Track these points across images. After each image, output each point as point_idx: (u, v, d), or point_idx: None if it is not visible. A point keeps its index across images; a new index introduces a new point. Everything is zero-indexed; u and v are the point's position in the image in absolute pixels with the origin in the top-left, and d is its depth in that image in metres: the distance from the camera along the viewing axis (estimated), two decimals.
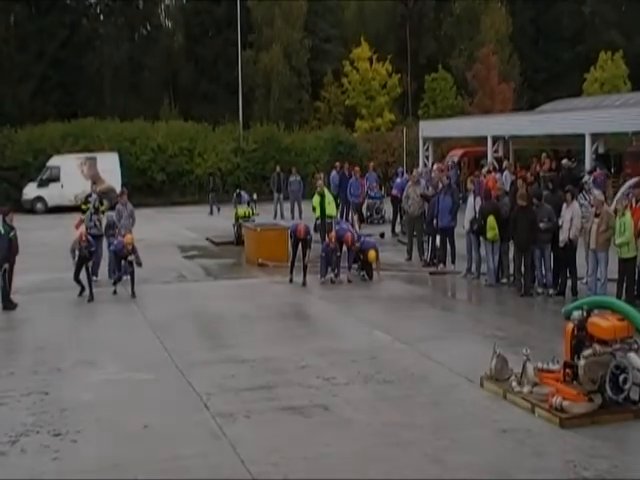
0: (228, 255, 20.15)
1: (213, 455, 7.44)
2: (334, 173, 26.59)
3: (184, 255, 20.40)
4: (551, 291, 14.18)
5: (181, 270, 17.94)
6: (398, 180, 22.98)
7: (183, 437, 7.87)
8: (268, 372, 9.91)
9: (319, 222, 19.53)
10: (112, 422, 8.31)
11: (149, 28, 54.48)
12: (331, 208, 19.63)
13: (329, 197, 19.75)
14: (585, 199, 14.02)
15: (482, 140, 30.99)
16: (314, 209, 19.66)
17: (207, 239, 22.77)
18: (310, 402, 8.80)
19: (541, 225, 14.12)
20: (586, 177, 16.08)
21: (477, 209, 15.70)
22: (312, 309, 13.94)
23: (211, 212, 30.22)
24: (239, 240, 20.79)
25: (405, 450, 7.52)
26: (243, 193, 25.08)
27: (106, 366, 10.35)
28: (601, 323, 8.61)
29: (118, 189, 26.01)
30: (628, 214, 12.90)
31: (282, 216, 27.38)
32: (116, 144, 35.33)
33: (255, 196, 24.70)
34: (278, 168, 29.25)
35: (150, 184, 36.30)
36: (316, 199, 19.47)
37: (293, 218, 26.95)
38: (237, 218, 21.68)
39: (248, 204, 23.10)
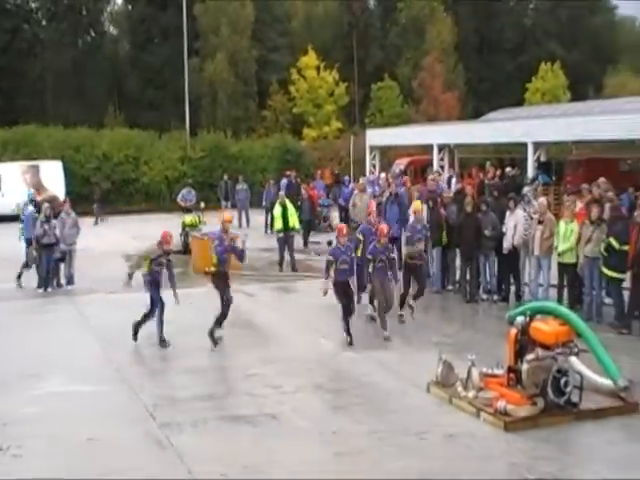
0: (175, 264, 19.75)
1: (159, 466, 7.36)
2: (284, 180, 26.62)
3: (130, 264, 20.06)
4: (495, 297, 14.43)
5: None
6: (346, 190, 23.10)
7: (129, 448, 7.77)
8: (215, 381, 9.87)
9: (281, 235, 18.26)
10: (56, 435, 8.16)
11: (93, 34, 53.81)
12: (294, 220, 18.45)
13: (291, 208, 18.61)
14: (524, 210, 14.32)
15: (428, 148, 31.38)
16: (275, 221, 18.68)
17: None
18: (258, 411, 8.78)
19: (486, 232, 14.36)
20: (526, 189, 16.40)
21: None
22: (260, 317, 13.89)
23: (96, 222, 29.59)
24: (187, 249, 20.61)
25: (353, 458, 7.56)
26: (185, 192, 24.62)
27: (50, 378, 10.16)
28: (543, 328, 8.79)
29: (62, 198, 25.53)
30: (575, 221, 13.22)
31: None
32: (59, 152, 34.69)
33: (203, 204, 24.52)
34: (226, 176, 29.16)
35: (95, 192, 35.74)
36: (277, 210, 18.39)
37: (241, 226, 26.87)
38: (184, 227, 21.50)
39: (191, 211, 22.75)
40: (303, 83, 47.68)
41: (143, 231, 26.51)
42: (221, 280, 11.88)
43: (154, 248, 12.22)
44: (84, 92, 49.45)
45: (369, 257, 11.83)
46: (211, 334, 11.52)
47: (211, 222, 22.90)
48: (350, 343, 11.33)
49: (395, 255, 12.48)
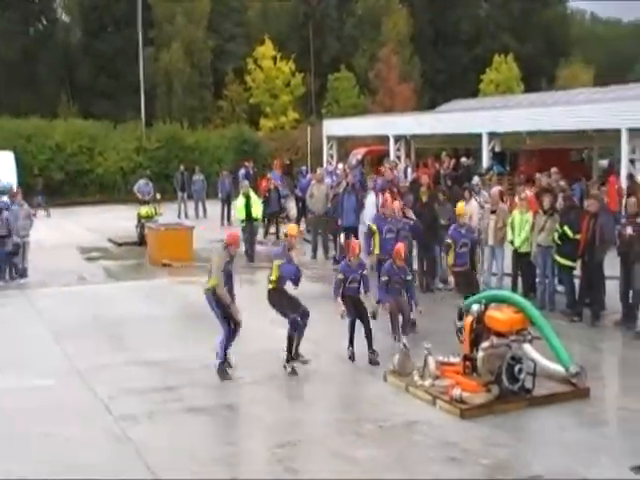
0: (131, 256, 19.77)
1: (117, 459, 7.29)
2: (242, 171, 26.50)
3: (84, 257, 19.88)
4: (450, 286, 14.57)
5: (81, 272, 17.46)
6: (303, 181, 23.07)
7: (85, 443, 7.69)
8: (172, 373, 9.79)
9: (244, 226, 17.94)
10: (11, 432, 8.03)
11: (45, 22, 52.74)
12: (257, 210, 18.17)
13: (255, 198, 18.32)
14: (476, 200, 14.51)
15: (384, 139, 31.51)
16: (238, 212, 18.35)
17: (109, 240, 22.27)
18: (215, 402, 8.76)
19: (442, 222, 14.51)
20: (475, 179, 16.60)
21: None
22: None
23: (48, 214, 29.10)
24: (142, 240, 20.42)
25: (311, 447, 7.59)
26: (142, 183, 24.28)
27: (3, 373, 9.98)
28: (498, 316, 8.93)
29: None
30: (530, 211, 13.42)
31: (186, 215, 27.10)
32: (10, 142, 33.98)
33: (159, 196, 24.29)
34: (182, 167, 28.89)
35: (48, 184, 35.13)
36: (241, 201, 18.05)
37: (197, 217, 26.75)
38: (140, 218, 21.29)
39: (148, 203, 22.50)
40: (259, 73, 47.46)
41: (97, 223, 26.25)
42: (283, 297, 10.11)
43: (221, 252, 9.90)
44: (35, 81, 48.47)
45: (384, 278, 11.04)
46: (287, 366, 9.82)
47: (167, 213, 22.77)
48: (351, 358, 10.25)
49: (410, 278, 11.30)
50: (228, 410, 8.54)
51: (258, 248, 18.69)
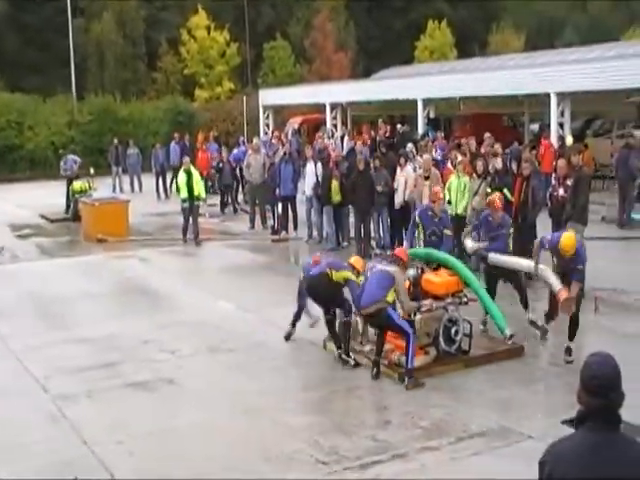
0: (65, 232, 19.35)
1: (54, 438, 7.17)
2: (173, 144, 26.10)
3: (16, 234, 19.37)
4: (389, 252, 14.69)
5: (14, 250, 17.02)
6: (235, 151, 22.84)
7: (21, 423, 7.54)
8: (110, 349, 9.66)
9: (186, 205, 16.93)
10: None
11: None
12: (199, 188, 17.15)
13: (196, 175, 17.25)
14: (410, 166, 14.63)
15: (321, 107, 31.43)
16: (178, 189, 17.51)
17: (41, 216, 21.74)
18: (155, 376, 8.68)
19: (378, 188, 14.58)
20: (409, 146, 16.70)
21: (318, 175, 15.97)
22: (154, 283, 13.65)
23: None
24: (76, 216, 20.00)
25: (252, 416, 7.59)
26: (70, 157, 23.53)
27: None
28: (434, 279, 9.05)
29: None
30: (466, 175, 13.57)
31: (121, 190, 26.60)
32: None
33: (92, 170, 23.74)
34: (115, 141, 28.29)
35: None
36: (182, 177, 17.06)
37: (133, 191, 26.30)
38: (73, 193, 20.82)
39: (79, 178, 21.89)
40: (193, 44, 46.64)
41: (29, 200, 25.57)
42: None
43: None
44: None
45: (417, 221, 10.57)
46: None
47: (101, 188, 22.32)
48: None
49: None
50: (168, 384, 8.47)
51: (209, 221, 18.49)
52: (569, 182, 11.68)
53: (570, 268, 8.60)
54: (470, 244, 10.20)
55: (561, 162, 12.20)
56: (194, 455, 6.72)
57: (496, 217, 10.03)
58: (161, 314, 11.32)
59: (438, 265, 9.67)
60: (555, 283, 8.71)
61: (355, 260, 9.38)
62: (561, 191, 11.76)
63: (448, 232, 10.53)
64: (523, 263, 9.43)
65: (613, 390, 3.08)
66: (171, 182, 25.77)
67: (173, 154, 25.55)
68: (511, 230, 10.18)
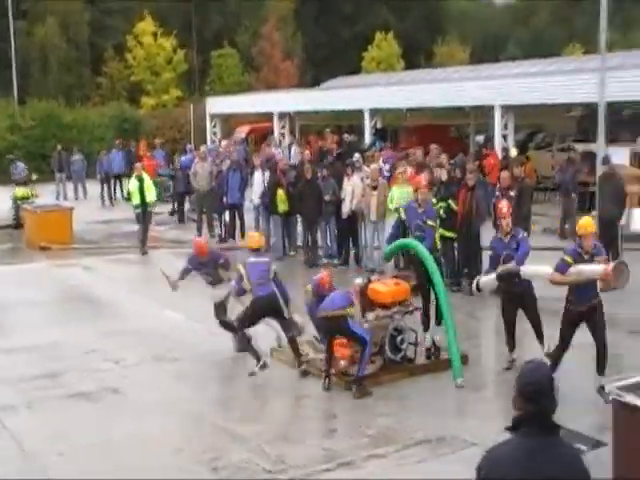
0: (6, 240, 18.91)
1: None
2: (114, 152, 25.75)
3: None
4: (336, 261, 14.78)
5: None
6: (183, 158, 22.68)
7: None
8: (52, 359, 9.47)
9: (139, 211, 16.70)
10: None
11: None
12: (151, 194, 16.91)
13: (148, 181, 17.01)
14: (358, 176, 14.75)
15: (269, 116, 31.44)
16: (130, 196, 17.23)
17: None
18: (99, 386, 8.55)
19: (326, 198, 14.65)
20: (356, 156, 16.85)
21: (266, 183, 15.98)
22: (99, 291, 13.44)
23: None
24: (19, 223, 19.58)
25: (198, 426, 7.54)
26: (19, 163, 23.10)
27: None
28: (380, 289, 9.09)
29: None
30: (409, 185, 13.71)
31: (65, 197, 26.15)
32: None
33: (35, 176, 23.27)
34: (59, 146, 27.80)
35: None
36: (134, 184, 16.73)
37: (77, 199, 25.86)
38: (15, 200, 20.38)
39: (26, 184, 21.52)
40: (140, 50, 46.17)
41: None
42: None
43: None
44: None
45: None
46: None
47: (45, 195, 21.90)
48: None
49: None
50: (112, 394, 8.35)
51: (156, 229, 18.29)
52: (512, 193, 11.92)
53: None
54: (490, 275, 8.75)
55: (504, 173, 12.45)
56: (138, 466, 6.63)
57: (421, 198, 9.86)
58: (105, 323, 11.15)
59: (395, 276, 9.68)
60: (593, 268, 7.74)
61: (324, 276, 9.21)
62: (504, 202, 11.96)
63: (430, 222, 9.81)
64: (549, 271, 8.14)
65: (546, 396, 3.18)
66: (115, 189, 25.48)
67: (116, 161, 25.24)
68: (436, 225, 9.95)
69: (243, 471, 6.53)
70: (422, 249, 9.25)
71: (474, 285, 9.16)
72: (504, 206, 9.05)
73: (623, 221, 13.55)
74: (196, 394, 8.32)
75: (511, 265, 8.56)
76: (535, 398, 3.17)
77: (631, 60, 22.30)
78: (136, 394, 8.35)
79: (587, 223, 7.92)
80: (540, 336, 8.76)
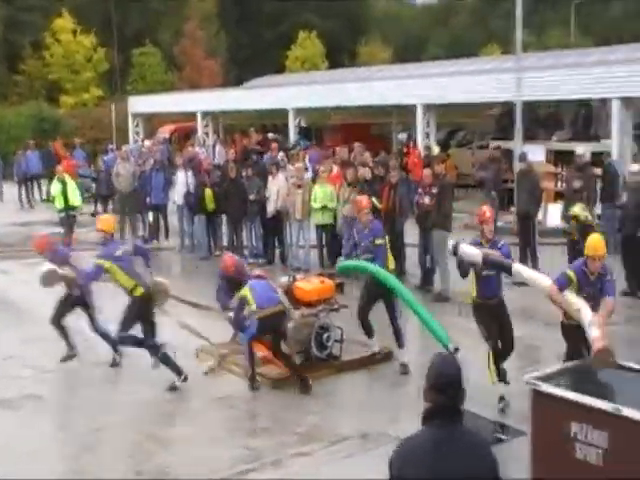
0: None
1: None
2: (29, 152, 25.06)
3: None
4: (261, 260, 14.75)
5: None
6: (105, 157, 22.24)
7: None
8: None
9: (62, 216, 16.40)
10: None
11: None
12: (76, 198, 16.53)
13: (71, 184, 16.59)
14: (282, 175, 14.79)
15: (192, 116, 31.13)
16: (53, 199, 16.65)
17: None
18: (19, 393, 8.31)
19: (251, 197, 14.62)
20: (280, 154, 16.87)
21: (190, 183, 15.84)
22: (16, 296, 13.03)
23: None
24: None
25: (121, 430, 7.41)
26: None
27: None
28: (305, 287, 9.13)
29: None
30: (330, 184, 13.82)
31: None
32: None
33: None
34: None
35: None
36: (56, 187, 16.33)
37: None
38: None
39: None
40: (58, 47, 45.00)
41: None
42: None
43: None
44: None
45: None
46: None
47: None
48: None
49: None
50: (34, 400, 8.13)
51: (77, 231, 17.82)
52: (434, 190, 12.14)
53: (599, 287, 6.84)
54: (475, 250, 7.67)
55: (426, 171, 12.65)
56: (62, 473, 6.49)
57: (364, 220, 9.28)
58: (24, 328, 10.83)
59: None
60: (586, 320, 6.57)
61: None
62: (426, 199, 12.20)
63: (379, 241, 9.07)
64: (548, 282, 7.07)
65: (455, 388, 3.27)
66: (32, 191, 24.82)
67: (32, 162, 24.58)
68: (385, 241, 9.17)
69: (167, 474, 6.46)
70: (377, 270, 8.75)
71: (450, 245, 7.95)
72: (487, 210, 8.08)
73: (540, 217, 13.97)
74: (118, 397, 8.18)
75: (504, 259, 7.60)
76: (444, 390, 3.26)
77: (546, 61, 22.97)
78: (56, 400, 8.16)
79: (598, 244, 6.82)
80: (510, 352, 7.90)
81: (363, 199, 9.76)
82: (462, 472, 3.19)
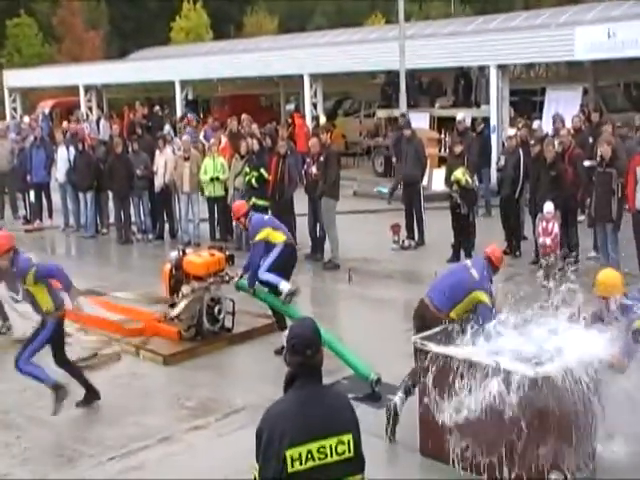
0: None
1: None
2: None
3: None
4: (150, 236, 14.51)
5: None
6: None
7: None
8: None
9: None
10: None
11: None
12: None
13: None
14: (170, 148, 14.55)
15: (74, 90, 30.05)
16: None
17: None
18: None
19: (137, 172, 14.30)
20: (167, 128, 16.55)
21: (71, 160, 15.35)
22: None
23: None
24: None
25: (7, 416, 7.18)
26: None
27: None
28: (195, 260, 9.04)
29: None
30: (221, 156, 13.70)
31: None
32: None
33: None
34: None
35: None
36: None
37: None
38: None
39: None
40: None
41: None
42: None
43: None
44: None
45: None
46: None
47: None
48: None
49: None
50: None
51: None
52: (321, 159, 12.21)
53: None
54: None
55: (313, 141, 12.68)
56: None
57: (243, 224, 8.90)
58: None
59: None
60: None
61: None
62: (314, 169, 12.27)
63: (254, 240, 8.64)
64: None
65: (310, 348, 3.34)
66: None
67: None
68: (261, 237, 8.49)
69: (61, 458, 6.33)
70: (260, 294, 8.57)
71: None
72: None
73: (424, 182, 14.29)
74: (3, 384, 7.91)
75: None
76: (301, 350, 3.33)
77: (428, 30, 23.41)
78: None
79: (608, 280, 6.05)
80: None
81: (239, 205, 9.25)
82: (327, 427, 3.29)
